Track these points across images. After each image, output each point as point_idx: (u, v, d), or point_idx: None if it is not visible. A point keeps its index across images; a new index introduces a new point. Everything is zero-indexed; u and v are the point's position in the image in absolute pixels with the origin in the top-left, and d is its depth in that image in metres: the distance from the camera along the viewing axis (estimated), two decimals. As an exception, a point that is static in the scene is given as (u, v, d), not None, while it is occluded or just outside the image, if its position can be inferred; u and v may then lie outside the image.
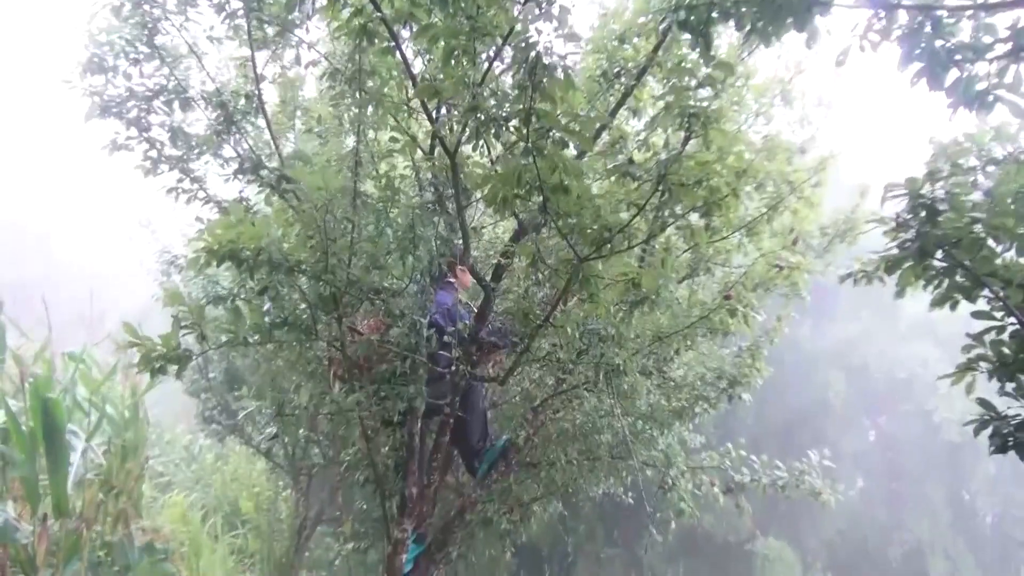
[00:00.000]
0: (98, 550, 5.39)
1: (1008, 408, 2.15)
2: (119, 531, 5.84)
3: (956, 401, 13.15)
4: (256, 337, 3.24)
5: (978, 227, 2.10)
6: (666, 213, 2.73)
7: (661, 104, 2.62)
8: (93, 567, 5.13)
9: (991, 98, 2.09)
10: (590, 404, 4.46)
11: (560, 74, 2.23)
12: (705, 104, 2.56)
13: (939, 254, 2.23)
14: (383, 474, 4.12)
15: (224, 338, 3.15)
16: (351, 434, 4.52)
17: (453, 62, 2.52)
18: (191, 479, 9.83)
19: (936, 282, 2.29)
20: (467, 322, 3.70)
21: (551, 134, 2.32)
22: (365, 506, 5.23)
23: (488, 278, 3.67)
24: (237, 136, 4.11)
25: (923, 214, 2.20)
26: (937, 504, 14.14)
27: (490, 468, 4.32)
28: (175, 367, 3.07)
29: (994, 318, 2.22)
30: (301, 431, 5.77)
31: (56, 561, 4.81)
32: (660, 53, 3.26)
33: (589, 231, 2.67)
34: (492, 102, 2.43)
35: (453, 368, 3.66)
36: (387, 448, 4.36)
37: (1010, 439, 2.08)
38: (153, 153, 4.11)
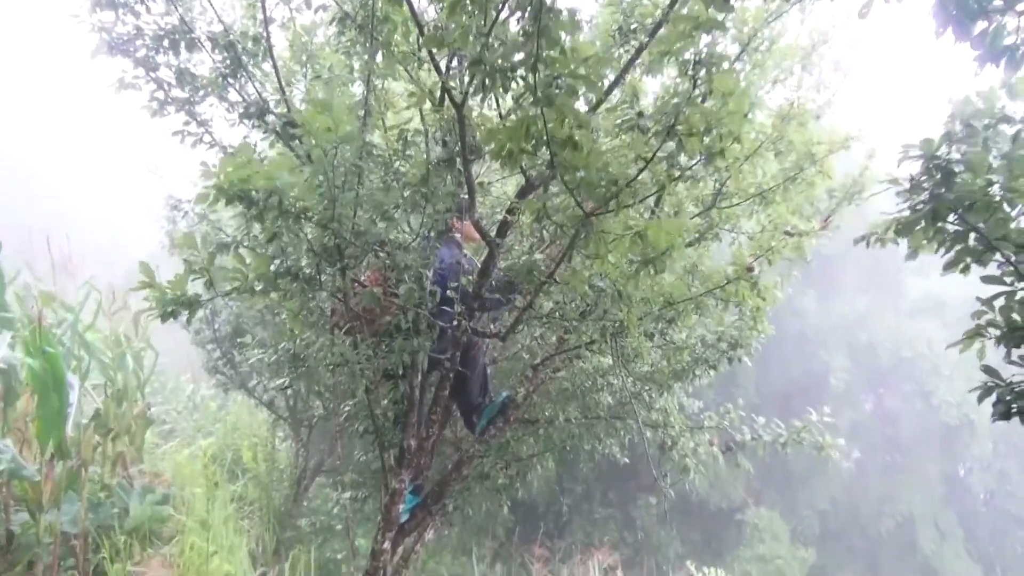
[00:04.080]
0: (98, 492, 5.48)
1: (1013, 375, 2.14)
2: (118, 474, 5.93)
3: (957, 383, 13.22)
4: (262, 285, 3.23)
5: (993, 190, 2.06)
6: (674, 165, 2.69)
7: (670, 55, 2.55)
8: (93, 507, 5.21)
9: (1020, 52, 2.03)
10: (591, 364, 4.47)
11: (565, 16, 2.17)
12: (705, 50, 2.50)
13: (952, 217, 2.19)
14: (382, 426, 4.14)
15: (230, 285, 3.15)
16: (352, 386, 4.55)
17: (461, 12, 2.45)
18: (193, 428, 9.96)
19: (947, 245, 2.26)
20: (471, 277, 3.69)
21: (559, 82, 2.27)
22: (364, 457, 5.29)
23: (493, 234, 3.64)
24: (244, 80, 4.05)
25: (938, 176, 2.16)
26: (931, 479, 14.29)
27: (489, 424, 4.35)
28: (185, 312, 3.07)
29: (1004, 283, 2.19)
30: (304, 382, 5.80)
31: (57, 501, 4.88)
32: (676, 7, 3.17)
33: (597, 187, 2.64)
34: (498, 51, 2.38)
35: (455, 324, 3.66)
36: (387, 401, 4.38)
37: (1014, 406, 2.07)
38: (160, 94, 4.06)
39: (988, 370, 2.19)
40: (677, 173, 2.69)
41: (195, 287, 3.09)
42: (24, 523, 4.67)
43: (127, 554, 5.08)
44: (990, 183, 2.07)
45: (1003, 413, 2.09)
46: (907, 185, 2.27)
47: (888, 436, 14.79)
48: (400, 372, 3.84)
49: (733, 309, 4.49)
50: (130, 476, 6.13)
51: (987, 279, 2.23)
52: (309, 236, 3.28)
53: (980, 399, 2.18)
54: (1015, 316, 2.17)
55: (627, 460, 5.33)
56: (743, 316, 4.42)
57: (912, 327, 14.16)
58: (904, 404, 14.53)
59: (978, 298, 2.26)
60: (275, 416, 7.99)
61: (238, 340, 7.02)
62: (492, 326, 4.31)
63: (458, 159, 3.45)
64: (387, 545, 4.01)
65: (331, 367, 3.71)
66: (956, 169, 2.13)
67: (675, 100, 2.41)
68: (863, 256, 14.45)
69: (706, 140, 2.42)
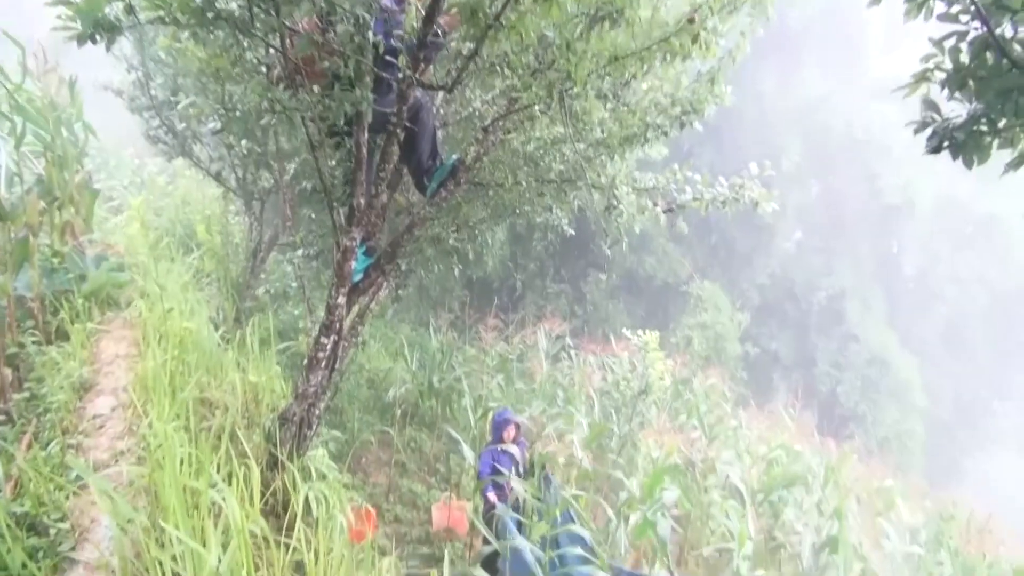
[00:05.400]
0: (50, 257, 5.43)
1: (952, 111, 2.15)
2: (67, 243, 5.85)
3: (904, 168, 13.52)
4: (188, 19, 2.98)
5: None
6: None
7: None
8: (48, 273, 5.19)
9: None
10: (542, 128, 4.38)
11: None
12: None
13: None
14: (330, 185, 4.08)
15: (150, 15, 2.90)
16: (297, 146, 4.41)
17: None
18: (142, 204, 9.74)
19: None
20: (415, 25, 3.45)
21: None
22: (314, 215, 5.27)
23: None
24: None
25: None
26: (863, 256, 15.14)
27: (439, 186, 4.32)
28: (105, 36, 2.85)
29: (959, 22, 2.13)
30: (244, 142, 5.56)
31: (6, 268, 4.82)
32: None
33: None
34: None
35: (400, 76, 3.48)
36: (334, 162, 4.29)
37: (947, 140, 2.10)
38: None
39: (929, 104, 2.19)
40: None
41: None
42: (-25, 287, 4.65)
43: (87, 316, 5.15)
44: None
45: (935, 147, 2.13)
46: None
47: (831, 217, 15.39)
48: (344, 127, 3.72)
49: (691, 72, 4.35)
50: (81, 245, 6.06)
51: (943, 16, 2.16)
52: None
53: (916, 131, 2.21)
54: (962, 58, 2.15)
55: (573, 232, 5.44)
56: (699, 79, 4.30)
57: (870, 108, 14.16)
58: (850, 186, 14.97)
59: (930, 39, 2.20)
60: (225, 189, 7.83)
61: (174, 103, 6.64)
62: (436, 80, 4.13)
63: None
64: (341, 300, 4.12)
65: (268, 114, 3.56)
66: None
67: None
68: (831, 32, 14.03)
69: None
